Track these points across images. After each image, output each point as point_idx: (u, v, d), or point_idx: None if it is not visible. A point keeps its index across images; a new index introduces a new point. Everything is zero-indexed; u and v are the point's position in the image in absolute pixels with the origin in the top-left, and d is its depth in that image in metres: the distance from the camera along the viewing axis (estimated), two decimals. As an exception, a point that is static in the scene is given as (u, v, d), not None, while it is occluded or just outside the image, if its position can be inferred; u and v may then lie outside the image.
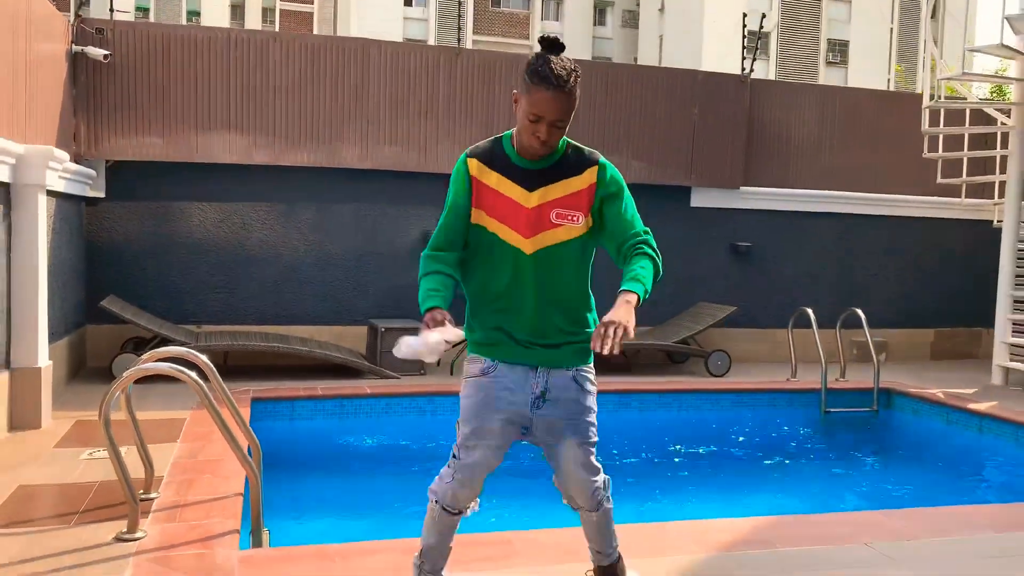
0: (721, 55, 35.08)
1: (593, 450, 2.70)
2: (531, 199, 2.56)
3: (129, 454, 4.60)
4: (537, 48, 2.57)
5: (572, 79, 2.44)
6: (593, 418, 2.71)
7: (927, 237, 9.72)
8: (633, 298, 2.43)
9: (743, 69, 8.88)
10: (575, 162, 2.60)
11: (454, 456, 2.67)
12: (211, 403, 3.61)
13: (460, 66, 8.00)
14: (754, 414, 7.23)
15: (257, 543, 3.62)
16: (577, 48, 42.03)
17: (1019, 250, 8.32)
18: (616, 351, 2.29)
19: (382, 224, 8.09)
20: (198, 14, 41.82)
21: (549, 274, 2.61)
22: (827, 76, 38.44)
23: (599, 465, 2.72)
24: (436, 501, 2.70)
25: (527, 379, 2.62)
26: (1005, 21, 7.60)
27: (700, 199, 8.88)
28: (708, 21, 36.47)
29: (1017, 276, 8.30)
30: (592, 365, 2.75)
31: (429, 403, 6.74)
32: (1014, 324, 8.25)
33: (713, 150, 8.71)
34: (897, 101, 9.90)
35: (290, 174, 7.76)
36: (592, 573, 2.92)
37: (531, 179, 2.56)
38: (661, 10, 40.03)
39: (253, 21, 43.11)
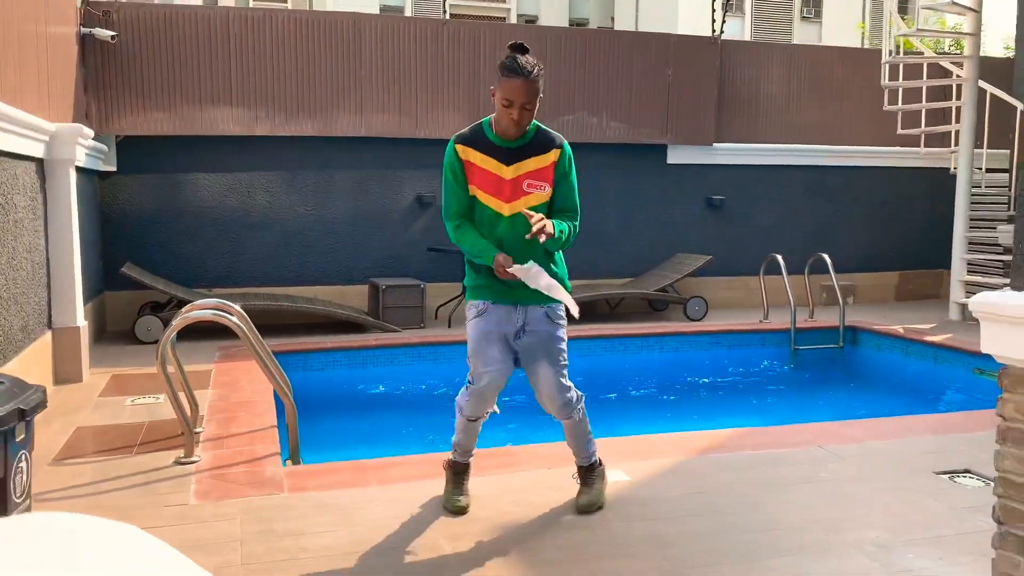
0: (697, 13, 35.30)
1: (564, 371, 3.31)
2: (508, 172, 3.20)
3: (168, 400, 5.17)
4: (506, 46, 3.23)
5: (536, 71, 3.08)
6: (563, 346, 3.33)
7: (890, 185, 10.31)
8: (554, 229, 3.09)
9: (714, 31, 9.38)
10: (542, 143, 3.24)
11: (469, 382, 3.30)
12: (252, 344, 4.15)
13: (447, 36, 8.45)
14: (729, 353, 7.84)
15: (296, 463, 4.19)
16: (554, 11, 42.03)
17: (972, 194, 8.92)
18: (536, 227, 2.98)
19: (378, 188, 8.59)
20: (170, -15, 41.54)
21: (522, 230, 3.18)
22: (802, 32, 38.71)
23: (570, 384, 3.33)
24: (460, 412, 3.36)
25: (511, 316, 3.27)
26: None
27: (676, 156, 9.41)
28: (683, -22, 36.56)
29: (971, 218, 8.92)
30: (561, 306, 3.35)
31: (431, 352, 7.30)
32: (969, 263, 8.89)
33: (687, 109, 9.23)
34: (859, 57, 10.41)
35: (291, 143, 8.23)
36: (576, 474, 3.52)
37: (508, 156, 3.20)
38: (636, -31, 40.03)
39: (227, -9, 42.86)
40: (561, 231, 3.14)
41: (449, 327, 8.13)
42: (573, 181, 3.30)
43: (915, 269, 10.54)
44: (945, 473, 3.95)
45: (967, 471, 3.98)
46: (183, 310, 4.41)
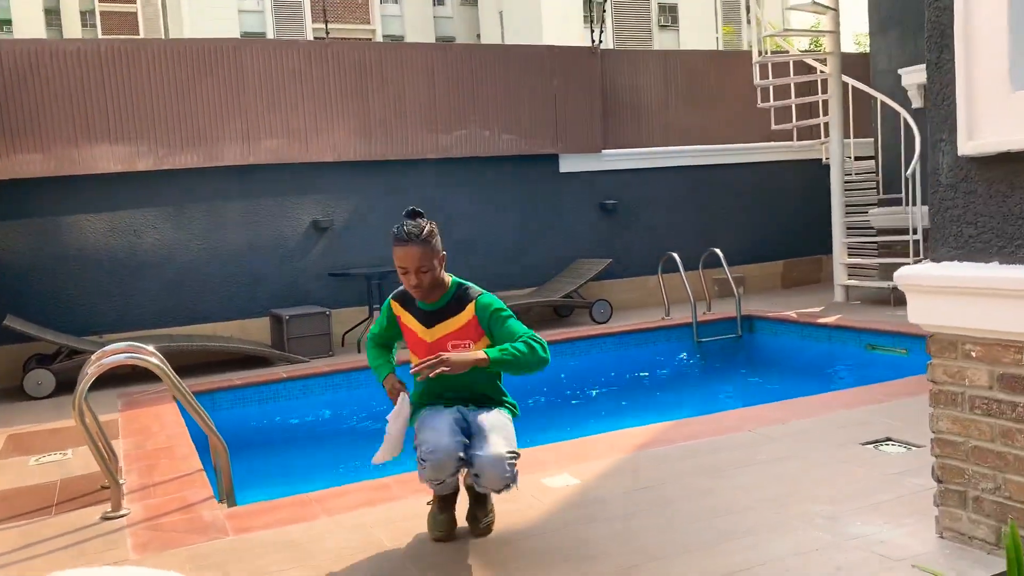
0: (561, 24, 36.16)
1: (512, 453, 3.06)
2: (428, 335, 3.20)
3: (77, 455, 4.88)
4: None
5: (422, 233, 3.02)
6: (510, 430, 3.18)
7: (768, 179, 10.81)
8: (481, 356, 2.99)
9: (592, 41, 9.63)
10: (459, 301, 3.18)
11: (422, 460, 3.01)
12: (175, 384, 3.96)
13: (330, 57, 8.34)
14: (638, 351, 8.03)
15: (232, 505, 4.01)
16: (419, 31, 42.16)
17: (845, 181, 9.46)
18: (416, 372, 2.96)
19: (271, 215, 8.37)
20: (9, 22, 39.38)
21: (453, 383, 3.14)
22: (661, 39, 40.23)
23: (514, 464, 3.05)
24: (422, 479, 3.11)
25: (456, 409, 3.22)
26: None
27: (568, 165, 9.59)
28: (545, -7, 37.44)
29: (846, 205, 9.46)
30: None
31: (344, 379, 7.16)
32: (848, 247, 9.42)
33: (574, 119, 9.42)
34: (729, 59, 10.92)
35: (176, 177, 7.92)
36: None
37: (428, 318, 3.20)
38: (498, -14, 40.65)
39: (72, 25, 40.96)
40: (505, 353, 3.00)
41: (359, 352, 7.99)
42: (509, 319, 3.15)
43: (797, 257, 11.08)
44: (869, 443, 4.16)
45: (888, 439, 4.20)
46: (94, 357, 4.16)
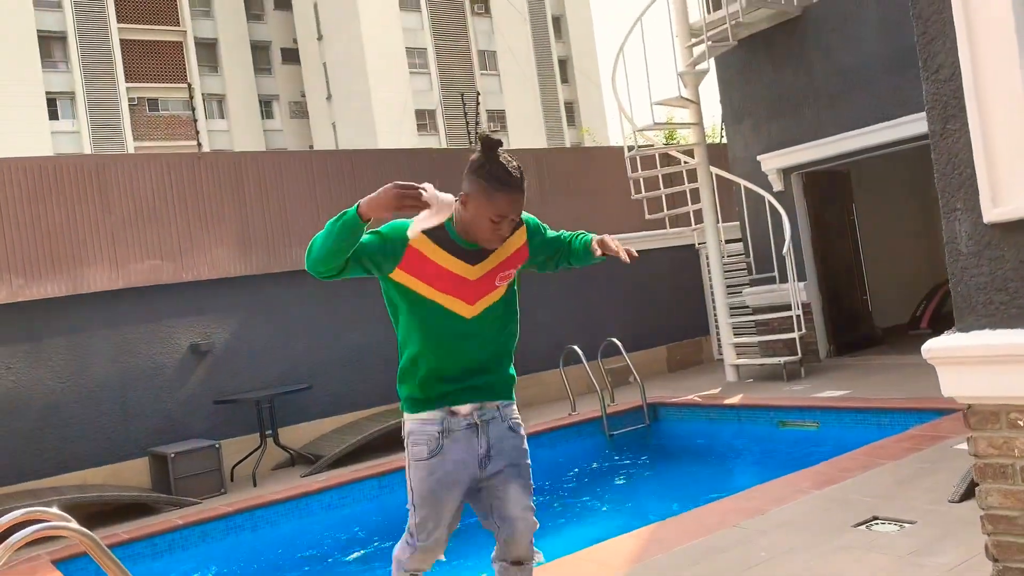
0: (395, 135, 36.63)
1: (532, 494, 2.79)
2: (474, 271, 2.68)
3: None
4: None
5: (522, 175, 2.61)
6: (529, 461, 2.80)
7: (645, 267, 10.93)
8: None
9: (470, 142, 9.61)
10: None
11: (410, 535, 2.75)
12: (104, 552, 3.28)
13: (203, 170, 7.81)
14: (554, 452, 7.71)
15: None
16: (248, 146, 41.46)
17: (724, 264, 9.77)
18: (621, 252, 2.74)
19: (145, 344, 7.57)
20: None
21: (490, 328, 2.73)
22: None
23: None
24: (399, 567, 2.81)
25: (471, 444, 2.69)
26: (679, 76, 9.06)
27: (456, 265, 9.37)
28: (376, 102, 37.94)
29: (727, 286, 9.74)
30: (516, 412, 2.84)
31: (248, 519, 6.44)
32: (734, 327, 9.65)
33: (458, 219, 9.26)
34: (600, 155, 11.20)
35: (32, 309, 7.03)
36: None
37: (473, 256, 2.69)
38: (328, 98, 40.86)
39: None
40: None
41: (254, 486, 7.24)
42: (546, 227, 2.87)
43: (678, 340, 11.25)
44: (860, 524, 4.04)
45: (875, 518, 4.11)
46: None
